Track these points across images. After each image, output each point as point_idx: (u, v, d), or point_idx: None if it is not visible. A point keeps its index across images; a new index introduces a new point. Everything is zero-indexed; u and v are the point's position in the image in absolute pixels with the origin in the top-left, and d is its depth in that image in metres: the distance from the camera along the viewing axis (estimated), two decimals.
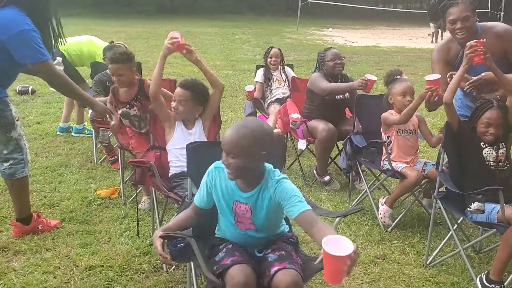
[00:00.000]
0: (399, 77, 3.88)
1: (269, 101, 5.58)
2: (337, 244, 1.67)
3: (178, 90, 3.29)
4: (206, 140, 3.27)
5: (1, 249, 3.27)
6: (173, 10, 31.84)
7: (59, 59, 4.54)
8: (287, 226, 2.48)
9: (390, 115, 3.83)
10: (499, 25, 3.31)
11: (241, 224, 2.25)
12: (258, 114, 5.69)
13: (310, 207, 2.08)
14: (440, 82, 3.28)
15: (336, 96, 4.62)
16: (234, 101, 7.96)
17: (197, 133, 3.31)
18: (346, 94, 4.64)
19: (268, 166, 2.22)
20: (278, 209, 2.18)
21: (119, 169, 4.44)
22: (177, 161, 3.28)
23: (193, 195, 2.48)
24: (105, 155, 5.01)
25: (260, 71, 5.73)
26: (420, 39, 20.87)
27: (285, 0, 37.68)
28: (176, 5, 33.70)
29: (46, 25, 3.19)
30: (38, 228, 3.48)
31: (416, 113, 3.90)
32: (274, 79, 5.65)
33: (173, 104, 3.29)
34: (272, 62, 5.62)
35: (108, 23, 22.18)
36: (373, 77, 4.23)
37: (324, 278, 1.75)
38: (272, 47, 5.77)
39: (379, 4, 38.19)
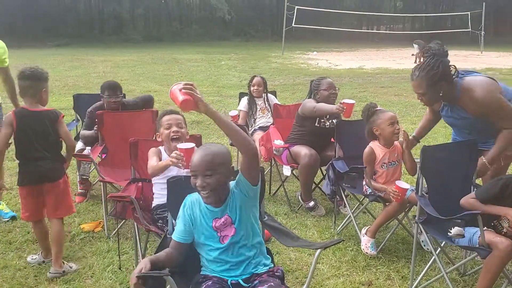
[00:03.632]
0: (379, 108, 3.91)
1: (253, 129, 5.62)
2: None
3: (172, 116, 3.36)
4: None
5: None
6: (159, 38, 32.10)
7: None
8: (269, 257, 2.51)
9: (371, 154, 3.83)
10: (478, 91, 3.20)
11: (226, 236, 2.36)
12: None
13: None
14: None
15: (326, 124, 4.65)
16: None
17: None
18: (335, 122, 4.65)
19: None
20: (245, 197, 2.36)
21: (81, 202, 4.75)
22: (161, 193, 3.26)
23: (173, 229, 2.48)
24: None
25: (244, 100, 5.79)
26: (403, 60, 21.21)
27: (270, 25, 38.19)
28: (162, 33, 34.00)
29: None
30: None
31: (400, 140, 3.90)
32: (258, 108, 5.71)
33: (174, 128, 3.30)
34: (254, 90, 5.69)
35: (95, 52, 22.32)
36: (351, 101, 4.26)
37: None
38: (255, 76, 5.84)
39: (362, 26, 38.82)
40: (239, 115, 5.84)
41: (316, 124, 4.63)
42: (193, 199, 2.44)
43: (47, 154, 3.39)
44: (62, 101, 9.72)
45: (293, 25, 23.24)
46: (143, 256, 3.29)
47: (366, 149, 3.87)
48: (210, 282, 2.30)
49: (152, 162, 3.26)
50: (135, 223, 3.27)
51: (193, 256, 2.42)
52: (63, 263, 3.47)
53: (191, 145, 3.01)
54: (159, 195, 3.31)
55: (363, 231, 3.88)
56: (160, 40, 31.01)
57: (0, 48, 4.39)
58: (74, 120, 5.54)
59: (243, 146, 2.24)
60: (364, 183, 3.90)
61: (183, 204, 2.44)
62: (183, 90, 2.12)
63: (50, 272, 3.39)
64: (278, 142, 4.72)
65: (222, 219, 2.36)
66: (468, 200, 2.96)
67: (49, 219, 3.55)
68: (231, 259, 2.36)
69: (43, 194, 3.45)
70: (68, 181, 3.56)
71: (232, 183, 2.41)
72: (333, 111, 4.43)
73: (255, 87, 5.69)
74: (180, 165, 2.99)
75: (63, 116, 3.45)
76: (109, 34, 32.52)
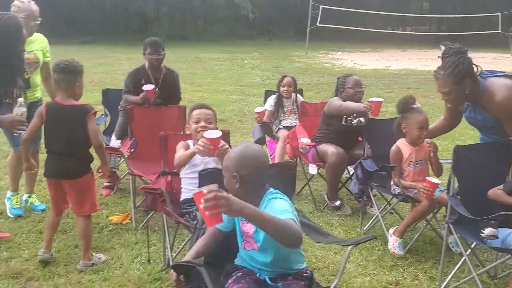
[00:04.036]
0: (415, 106, 3.86)
1: (277, 128, 5.59)
2: None
3: (202, 111, 3.34)
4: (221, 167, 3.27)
5: (15, 276, 3.30)
6: (183, 36, 32.25)
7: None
8: (303, 262, 2.44)
9: (398, 153, 3.82)
10: (498, 95, 3.15)
11: (248, 243, 2.32)
12: (267, 139, 5.70)
13: (293, 218, 2.06)
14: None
15: (353, 122, 4.61)
16: (243, 126, 8.01)
17: (211, 160, 3.27)
18: (363, 120, 4.63)
19: (268, 187, 2.31)
20: None
21: (108, 195, 4.78)
22: (188, 188, 3.29)
23: (203, 222, 2.50)
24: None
25: (271, 99, 5.71)
26: (430, 61, 20.85)
27: (294, 24, 37.98)
28: (187, 32, 34.16)
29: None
30: None
31: (428, 141, 3.82)
32: (285, 110, 5.63)
33: (202, 124, 3.28)
34: (284, 91, 5.61)
35: (120, 50, 22.57)
36: (379, 99, 4.20)
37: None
38: (285, 76, 5.73)
39: (387, 27, 38.36)
40: (264, 112, 5.79)
41: (343, 123, 4.60)
42: None
43: (71, 151, 3.31)
44: (88, 97, 9.82)
45: (317, 24, 23.09)
46: (171, 249, 3.33)
47: (393, 148, 3.85)
48: (241, 274, 2.30)
49: (179, 154, 3.27)
50: (164, 216, 3.30)
51: (227, 246, 2.42)
52: (92, 254, 3.52)
53: (218, 133, 2.99)
54: (187, 190, 3.33)
55: (391, 231, 3.84)
56: (184, 39, 31.14)
57: (42, 42, 4.34)
58: (102, 114, 5.62)
59: (289, 243, 2.01)
60: (392, 183, 3.86)
61: None
62: (207, 213, 1.85)
63: (79, 265, 3.45)
64: (305, 140, 4.68)
65: (248, 226, 2.29)
66: (495, 191, 2.98)
67: (76, 216, 3.56)
68: (255, 264, 2.34)
69: (64, 190, 3.41)
70: (93, 179, 3.47)
71: (272, 193, 2.27)
72: (361, 110, 4.38)
73: (285, 88, 5.59)
74: (206, 153, 2.96)
75: (96, 113, 3.40)
76: (134, 32, 32.81)
